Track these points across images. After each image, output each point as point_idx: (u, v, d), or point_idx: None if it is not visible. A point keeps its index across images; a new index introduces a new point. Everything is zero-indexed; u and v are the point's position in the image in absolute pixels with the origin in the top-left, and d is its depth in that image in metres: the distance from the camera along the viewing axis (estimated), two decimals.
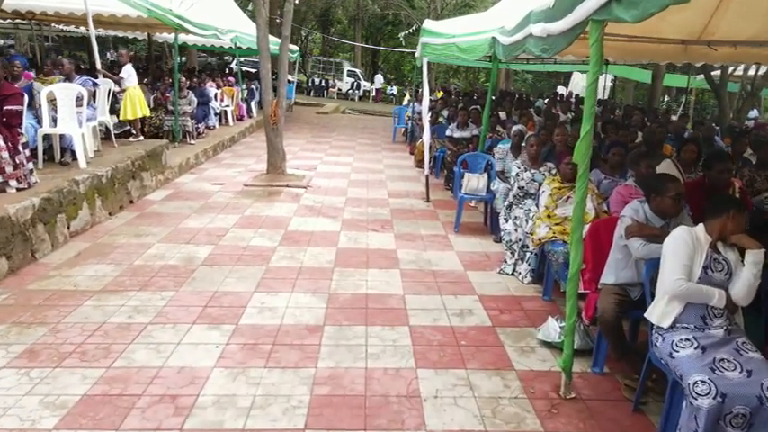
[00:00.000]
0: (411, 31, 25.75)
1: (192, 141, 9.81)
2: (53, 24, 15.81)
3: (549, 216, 4.23)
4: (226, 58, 28.79)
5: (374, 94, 30.54)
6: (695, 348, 2.39)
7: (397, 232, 5.91)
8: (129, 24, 13.12)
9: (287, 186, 7.66)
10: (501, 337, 3.60)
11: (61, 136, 5.87)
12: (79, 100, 5.92)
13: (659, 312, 2.59)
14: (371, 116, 22.22)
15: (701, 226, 2.56)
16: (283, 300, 4.05)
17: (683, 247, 2.48)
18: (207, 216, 6.11)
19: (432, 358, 3.29)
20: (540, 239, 4.20)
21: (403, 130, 14.10)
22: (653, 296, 2.73)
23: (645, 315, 2.68)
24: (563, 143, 5.65)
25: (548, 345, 3.47)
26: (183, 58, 25.80)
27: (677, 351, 2.42)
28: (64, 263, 4.55)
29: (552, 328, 3.45)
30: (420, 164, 9.71)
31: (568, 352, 2.86)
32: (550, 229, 4.16)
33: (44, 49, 21.72)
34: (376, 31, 36.64)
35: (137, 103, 7.73)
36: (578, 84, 26.09)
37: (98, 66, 7.22)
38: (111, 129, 7.16)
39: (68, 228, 5.07)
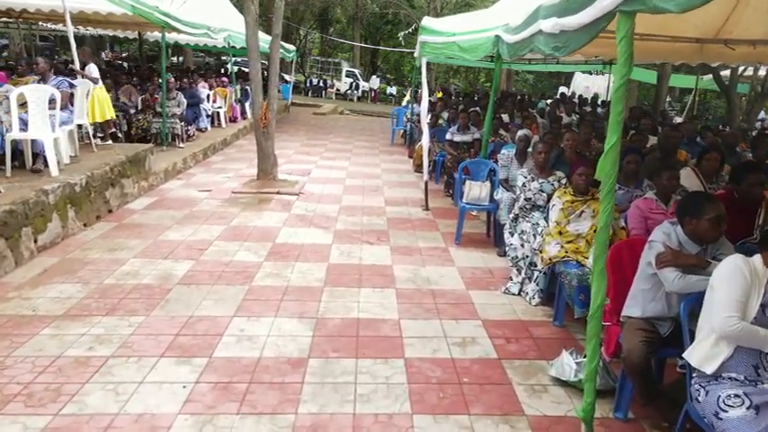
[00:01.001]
0: (411, 30, 25.35)
1: (181, 145, 9.40)
2: (41, 23, 15.39)
3: (560, 233, 3.81)
4: (224, 57, 28.41)
5: (372, 94, 30.17)
6: (747, 408, 1.98)
7: (393, 245, 5.50)
8: (120, 23, 12.70)
9: (278, 193, 7.24)
10: (508, 373, 3.19)
11: (33, 141, 5.46)
12: (52, 102, 5.51)
13: (702, 354, 2.18)
14: (370, 117, 21.83)
15: (758, 257, 2.15)
16: (265, 326, 3.64)
17: (738, 279, 2.07)
18: (190, 227, 5.69)
19: (430, 401, 2.88)
20: (550, 258, 3.78)
21: (402, 132, 13.69)
22: (692, 336, 2.32)
23: (683, 356, 2.27)
24: (573, 149, 5.24)
25: (562, 383, 3.06)
26: (181, 58, 25.46)
27: (725, 411, 2.01)
28: (26, 282, 4.13)
29: (567, 365, 3.04)
30: (419, 168, 9.29)
31: (589, 400, 2.45)
32: (562, 247, 3.74)
33: (39, 49, 21.35)
34: (375, 31, 36.27)
35: (104, 105, 7.18)
36: (580, 84, 25.69)
37: (76, 66, 6.80)
38: (91, 132, 6.74)
39: (35, 242, 4.66)
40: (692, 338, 2.34)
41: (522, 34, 4.55)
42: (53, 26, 16.00)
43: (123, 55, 31.75)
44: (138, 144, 7.48)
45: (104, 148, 6.85)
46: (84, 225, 5.46)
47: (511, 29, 5.11)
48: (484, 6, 20.65)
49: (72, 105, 6.33)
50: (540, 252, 3.96)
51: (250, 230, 5.70)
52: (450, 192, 7.74)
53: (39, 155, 5.48)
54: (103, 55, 29.85)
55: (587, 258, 3.60)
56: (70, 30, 6.52)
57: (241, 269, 4.63)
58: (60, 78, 6.31)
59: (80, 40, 24.58)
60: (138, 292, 4.07)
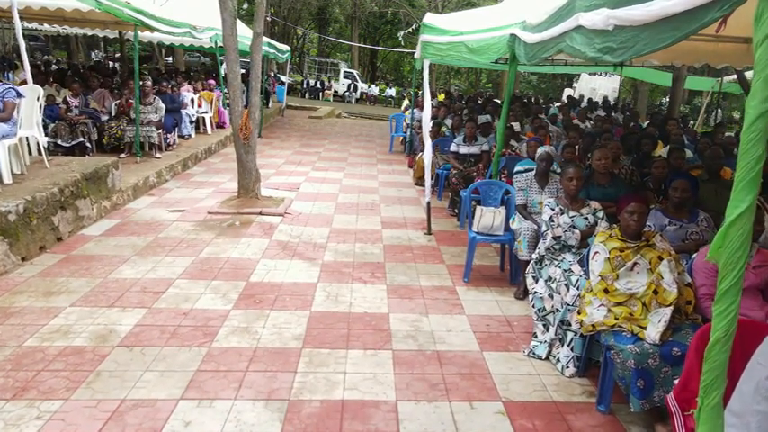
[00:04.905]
0: (411, 30, 24.54)
1: (159, 155, 8.52)
2: (25, 23, 14.52)
3: (605, 290, 2.93)
4: (221, 58, 27.55)
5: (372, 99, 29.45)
6: None
7: (390, 283, 4.62)
8: (99, 21, 11.83)
9: (260, 214, 6.37)
10: None
11: None
12: None
13: None
14: (368, 120, 20.99)
15: None
16: (219, 416, 2.76)
17: None
18: (150, 260, 4.82)
19: None
20: (593, 325, 2.90)
21: (401, 139, 12.82)
22: None
23: None
24: (606, 169, 4.37)
25: None
26: (175, 59, 24.57)
27: None
28: None
29: None
30: (420, 180, 8.44)
31: None
32: (609, 311, 2.86)
33: (29, 49, 20.47)
34: (374, 31, 35.50)
35: None
36: (586, 86, 24.81)
37: (27, 69, 5.91)
38: (43, 145, 5.86)
39: None
40: None
41: (549, 33, 3.71)
42: (39, 26, 15.10)
43: (117, 55, 30.90)
44: (99, 158, 6.59)
45: (59, 164, 5.97)
46: (23, 259, 4.59)
47: (531, 26, 4.27)
48: (486, 5, 19.77)
49: (16, 116, 5.44)
50: (579, 313, 3.08)
51: (221, 264, 4.83)
52: (456, 211, 6.87)
53: None
54: (93, 55, 29.04)
55: (644, 328, 2.72)
56: (18, 25, 5.62)
57: (202, 322, 3.75)
58: (6, 86, 5.44)
59: (66, 39, 23.79)
60: (63, 359, 3.19)
